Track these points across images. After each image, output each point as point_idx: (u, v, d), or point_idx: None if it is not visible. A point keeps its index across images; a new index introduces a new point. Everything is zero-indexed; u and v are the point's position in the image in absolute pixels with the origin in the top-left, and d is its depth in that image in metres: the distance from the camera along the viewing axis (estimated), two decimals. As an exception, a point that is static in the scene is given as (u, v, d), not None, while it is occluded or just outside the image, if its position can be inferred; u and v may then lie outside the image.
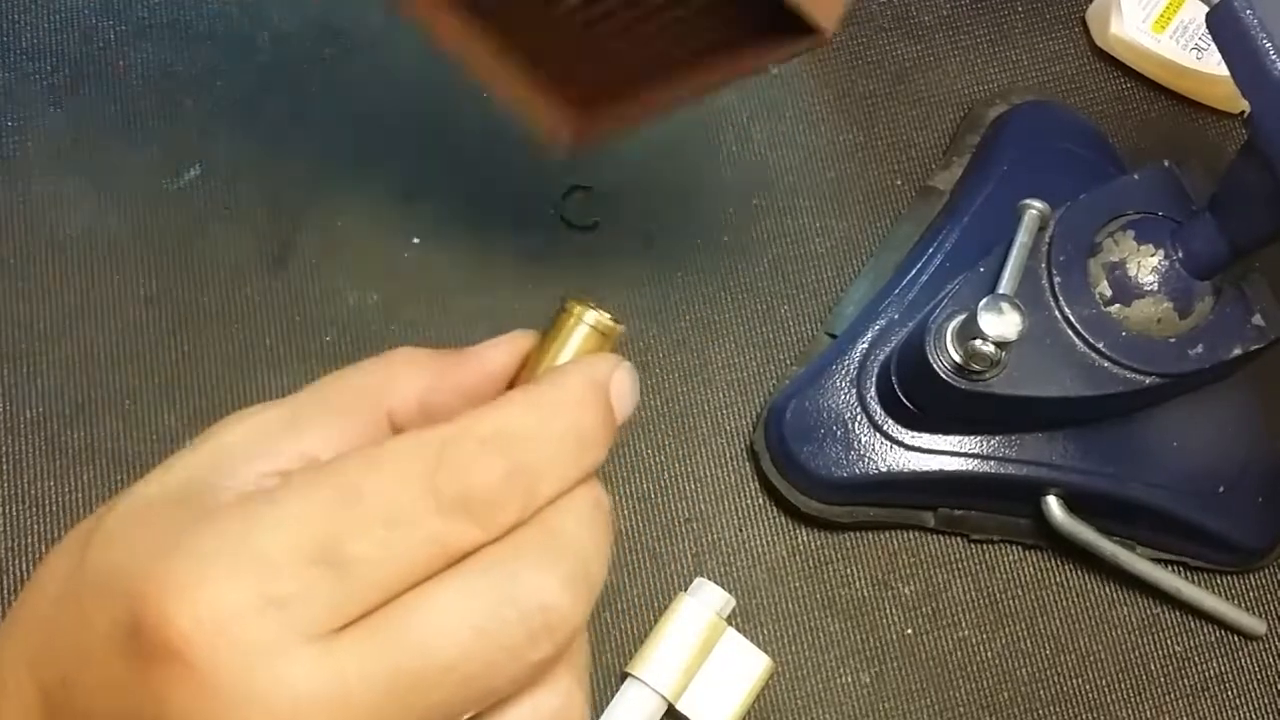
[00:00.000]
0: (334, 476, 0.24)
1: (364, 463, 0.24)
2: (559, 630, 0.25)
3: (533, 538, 0.25)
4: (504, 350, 0.29)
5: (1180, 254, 0.43)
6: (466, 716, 0.25)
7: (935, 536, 0.49)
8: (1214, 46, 0.42)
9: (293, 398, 0.27)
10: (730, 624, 0.46)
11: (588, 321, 0.28)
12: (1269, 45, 0.37)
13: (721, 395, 0.50)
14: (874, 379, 0.46)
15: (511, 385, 0.29)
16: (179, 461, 0.27)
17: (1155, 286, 0.44)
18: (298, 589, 0.23)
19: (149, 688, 0.24)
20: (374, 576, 0.24)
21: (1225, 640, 0.48)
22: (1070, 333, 0.44)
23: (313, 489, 0.24)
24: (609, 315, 0.29)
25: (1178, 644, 0.48)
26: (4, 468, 0.47)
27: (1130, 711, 0.47)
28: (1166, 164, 0.45)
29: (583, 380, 0.27)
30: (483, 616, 0.24)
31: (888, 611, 0.48)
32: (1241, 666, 0.48)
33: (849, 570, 0.48)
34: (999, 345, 0.41)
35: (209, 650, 0.23)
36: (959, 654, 0.47)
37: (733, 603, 0.46)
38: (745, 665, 0.45)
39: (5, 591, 0.45)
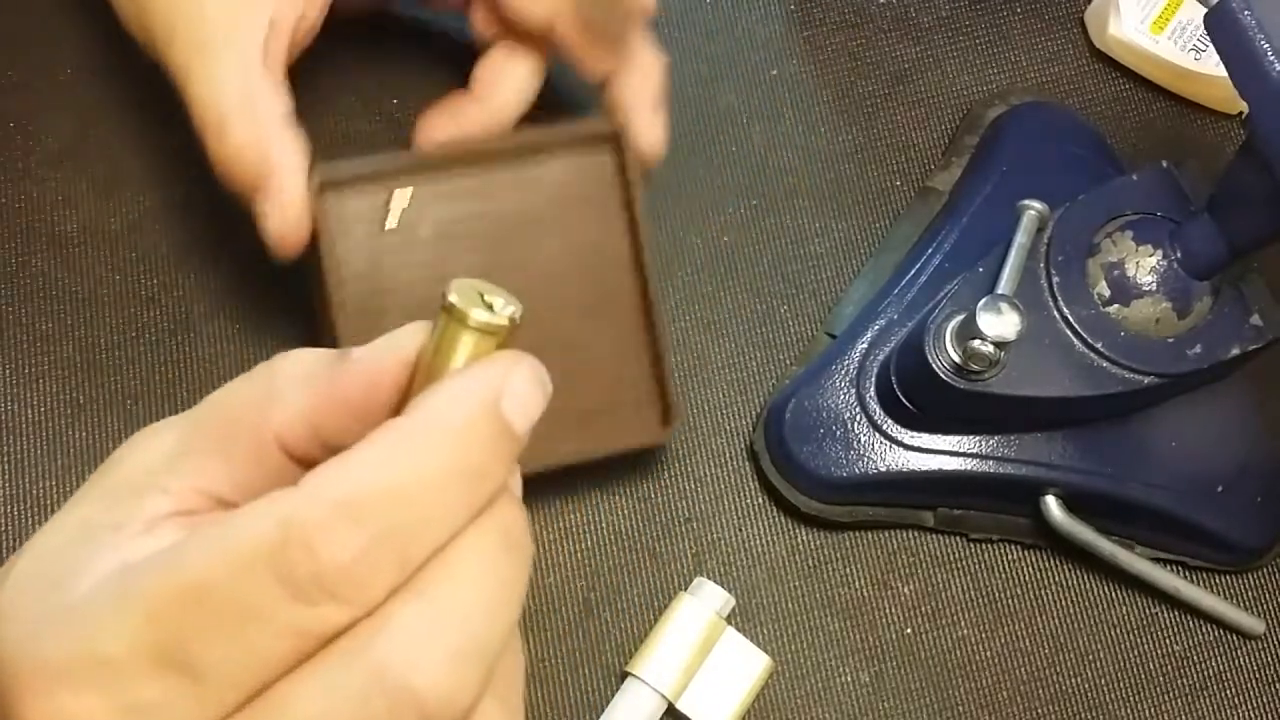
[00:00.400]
0: (177, 571, 0.22)
1: (206, 550, 0.22)
2: (442, 715, 0.22)
3: (404, 610, 0.22)
4: (392, 357, 0.25)
5: (1179, 254, 0.43)
6: None
7: (934, 536, 0.49)
8: (1212, 47, 0.42)
9: (186, 418, 0.25)
10: (730, 623, 0.46)
11: (472, 325, 0.24)
12: (1267, 46, 0.37)
13: (721, 395, 0.50)
14: (873, 379, 0.47)
15: (405, 396, 0.25)
16: (79, 499, 0.25)
17: (1154, 287, 0.44)
18: (154, 697, 0.21)
19: None
20: (233, 678, 0.21)
21: (1224, 639, 0.49)
22: (1069, 333, 0.44)
23: (160, 582, 0.22)
24: (501, 301, 0.24)
25: (1176, 643, 0.48)
26: (4, 468, 0.47)
27: (1129, 710, 0.47)
28: (1165, 165, 0.45)
29: (465, 404, 0.23)
30: (348, 712, 0.21)
31: (887, 611, 0.48)
32: (1240, 666, 0.48)
33: (848, 570, 0.48)
34: (998, 345, 0.41)
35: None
36: (958, 653, 0.47)
37: (732, 602, 0.46)
38: (745, 664, 0.45)
39: (6, 591, 0.46)
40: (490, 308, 0.24)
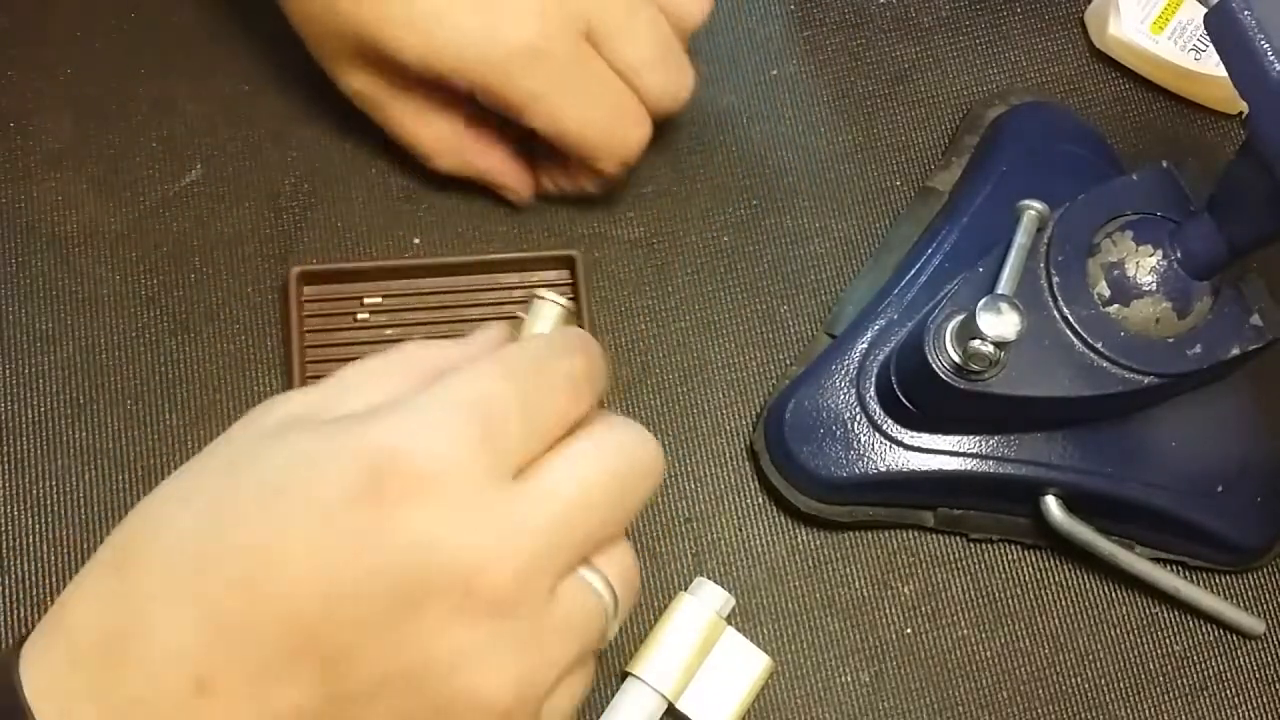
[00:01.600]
0: (493, 362, 0.33)
1: (508, 353, 0.33)
2: (653, 475, 0.34)
3: (614, 419, 0.34)
4: (502, 329, 0.37)
5: (1178, 254, 0.43)
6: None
7: (934, 536, 0.49)
8: (1212, 47, 0.42)
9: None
10: (730, 623, 0.46)
11: (559, 305, 0.37)
12: (1266, 46, 0.37)
13: (721, 395, 0.50)
14: (873, 379, 0.47)
15: None
16: None
17: (1154, 287, 0.44)
18: (492, 432, 0.31)
19: (391, 523, 0.29)
20: (538, 428, 0.32)
21: (1224, 639, 0.49)
22: (1069, 333, 0.44)
23: (486, 369, 0.32)
24: (566, 299, 0.37)
25: (1176, 643, 0.48)
26: (4, 468, 0.47)
27: (1129, 710, 0.47)
28: (1165, 164, 0.45)
29: (584, 335, 0.36)
30: (613, 457, 0.33)
31: (887, 611, 0.48)
32: (1240, 666, 0.48)
33: (848, 570, 0.48)
34: (998, 345, 0.41)
35: (445, 478, 0.30)
36: (958, 653, 0.47)
37: (732, 602, 0.46)
38: (745, 664, 0.45)
39: (6, 592, 0.45)
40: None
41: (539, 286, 0.39)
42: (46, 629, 0.31)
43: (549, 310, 0.37)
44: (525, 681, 0.31)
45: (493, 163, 0.50)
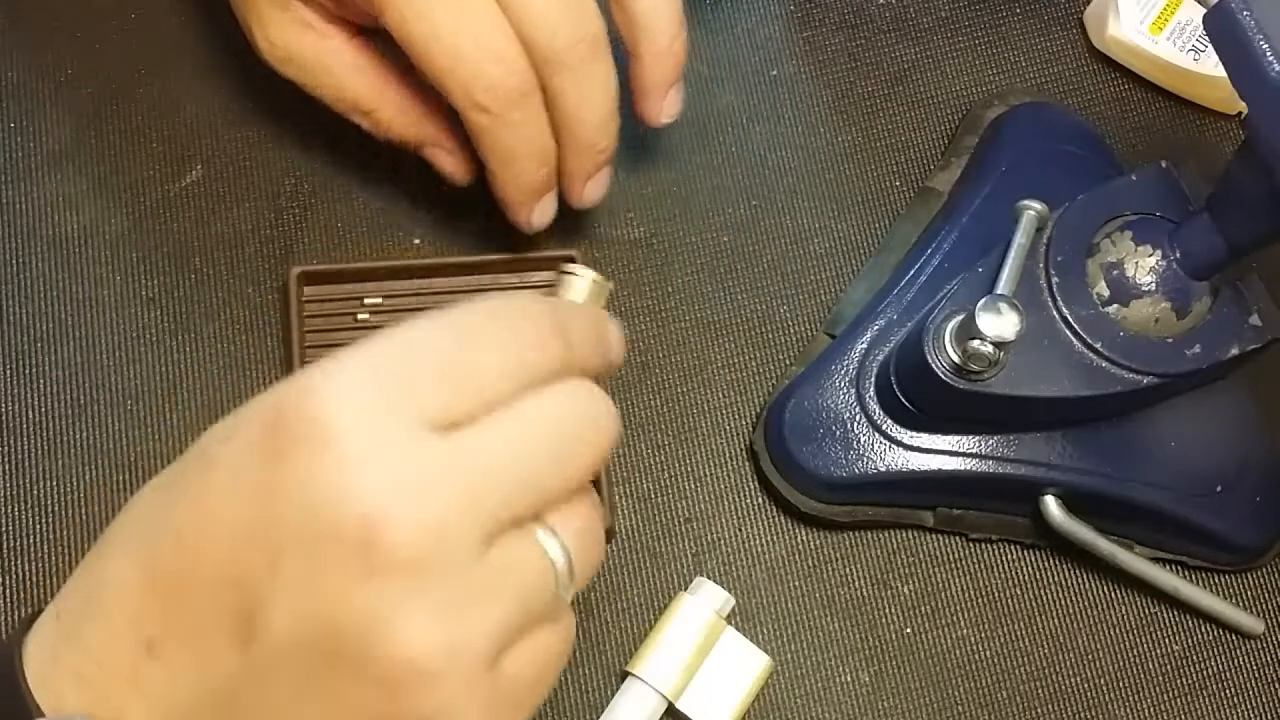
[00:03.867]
0: (443, 316, 0.31)
1: (461, 310, 0.32)
2: (600, 430, 0.32)
3: (582, 379, 0.33)
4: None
5: (1178, 254, 0.44)
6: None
7: (934, 536, 0.49)
8: (1212, 48, 0.42)
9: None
10: (730, 623, 0.46)
11: (588, 276, 0.37)
12: (1266, 47, 0.37)
13: (721, 395, 0.50)
14: (873, 379, 0.47)
15: None
16: None
17: (1153, 287, 0.44)
18: (417, 385, 0.29)
19: (292, 474, 0.28)
20: (476, 384, 0.30)
21: (1223, 639, 0.49)
22: (1068, 333, 0.44)
23: (428, 323, 0.31)
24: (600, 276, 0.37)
25: (1176, 643, 0.48)
26: (4, 468, 0.47)
27: (1128, 710, 0.47)
28: (1164, 165, 0.46)
29: (594, 309, 0.36)
30: (561, 411, 0.31)
31: (887, 611, 0.48)
32: (1239, 665, 0.48)
33: (848, 570, 0.48)
34: (997, 345, 0.41)
35: (348, 427, 0.28)
36: (958, 653, 0.47)
37: (732, 602, 0.46)
38: (745, 664, 0.45)
39: (7, 592, 0.45)
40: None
41: (566, 262, 0.38)
42: (44, 617, 0.32)
43: (579, 284, 0.36)
44: (455, 643, 0.29)
45: (431, 131, 0.47)
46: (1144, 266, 0.44)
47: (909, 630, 0.48)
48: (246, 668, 0.29)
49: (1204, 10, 0.39)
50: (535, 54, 0.42)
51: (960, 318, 0.43)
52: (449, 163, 0.48)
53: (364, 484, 0.28)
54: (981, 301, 0.41)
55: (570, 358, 0.32)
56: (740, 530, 0.48)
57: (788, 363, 0.50)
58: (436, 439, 0.29)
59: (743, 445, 0.49)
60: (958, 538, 0.49)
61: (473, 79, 0.42)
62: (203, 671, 0.29)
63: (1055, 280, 0.44)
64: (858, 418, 0.46)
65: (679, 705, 0.44)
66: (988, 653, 0.48)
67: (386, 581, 0.28)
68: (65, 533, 0.46)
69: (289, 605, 0.28)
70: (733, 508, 0.48)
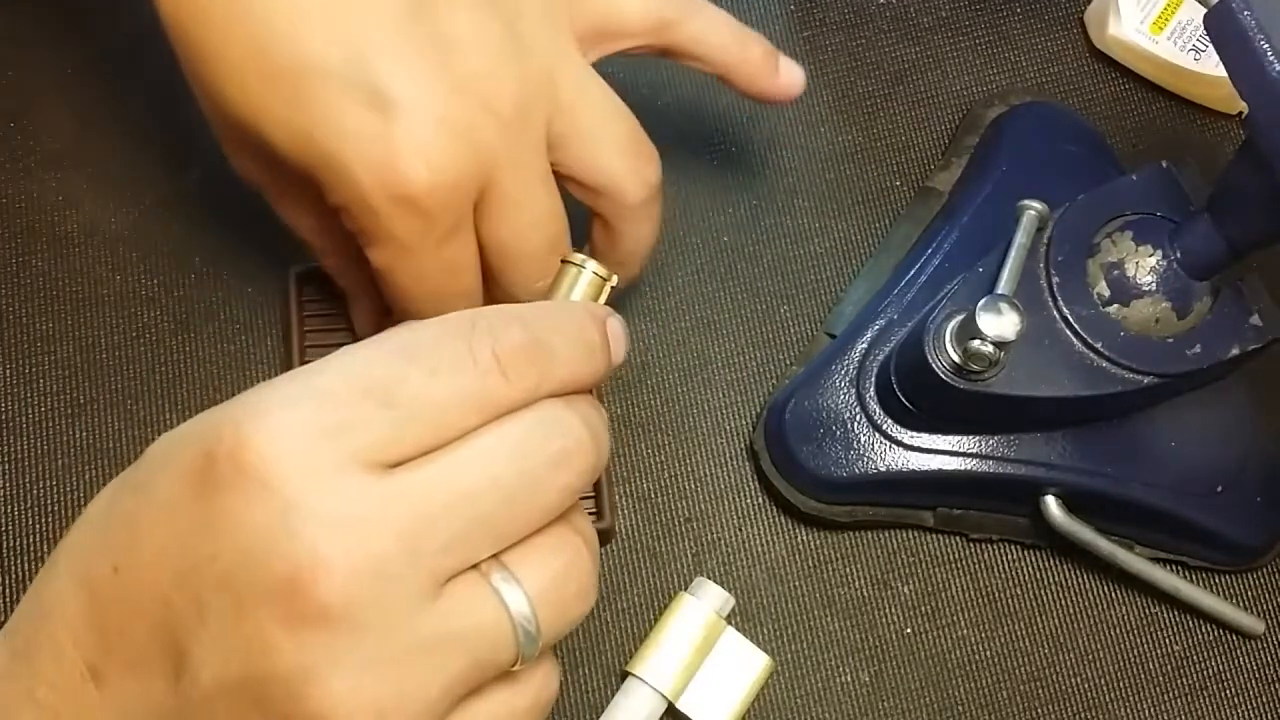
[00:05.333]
0: (390, 339, 0.29)
1: (412, 330, 0.30)
2: (573, 464, 0.29)
3: (554, 402, 0.30)
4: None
5: (1178, 254, 0.44)
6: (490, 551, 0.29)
7: (934, 536, 0.49)
8: (1212, 48, 0.42)
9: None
10: (730, 623, 0.46)
11: (589, 269, 0.35)
12: (1266, 46, 0.37)
13: (721, 395, 0.50)
14: (873, 379, 0.47)
15: None
16: None
17: (1153, 287, 0.44)
18: (355, 419, 0.27)
19: (221, 515, 0.27)
20: (422, 415, 0.28)
21: (1223, 639, 0.49)
22: (1069, 333, 0.44)
23: (372, 347, 0.29)
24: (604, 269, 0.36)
25: (1176, 643, 0.48)
26: (4, 468, 0.47)
27: (1128, 710, 0.47)
28: (1164, 165, 0.45)
29: (586, 307, 0.33)
30: (516, 444, 0.29)
31: (887, 610, 0.48)
32: (1240, 666, 0.48)
33: (848, 569, 0.48)
34: (997, 345, 0.41)
35: (278, 467, 0.27)
36: (958, 653, 0.47)
37: (732, 602, 0.46)
38: (745, 664, 0.45)
39: (7, 592, 0.45)
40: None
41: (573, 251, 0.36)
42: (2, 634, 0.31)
43: (579, 280, 0.34)
44: (389, 703, 0.26)
45: (350, 282, 0.45)
46: (1144, 266, 0.44)
47: (909, 630, 0.48)
48: (181, 706, 0.28)
49: (1204, 10, 0.39)
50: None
51: (960, 318, 0.43)
52: (360, 316, 0.46)
53: (294, 527, 0.26)
54: (982, 301, 0.41)
55: (542, 379, 0.30)
56: (740, 530, 0.48)
57: (788, 363, 0.50)
58: (374, 477, 0.27)
59: (743, 445, 0.49)
60: (958, 538, 0.49)
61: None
62: (145, 703, 0.28)
63: (1056, 280, 0.44)
64: (858, 418, 0.46)
65: (679, 705, 0.44)
66: (988, 653, 0.48)
67: (315, 632, 0.26)
68: (67, 533, 0.46)
69: (215, 651, 0.27)
70: (733, 508, 0.48)
